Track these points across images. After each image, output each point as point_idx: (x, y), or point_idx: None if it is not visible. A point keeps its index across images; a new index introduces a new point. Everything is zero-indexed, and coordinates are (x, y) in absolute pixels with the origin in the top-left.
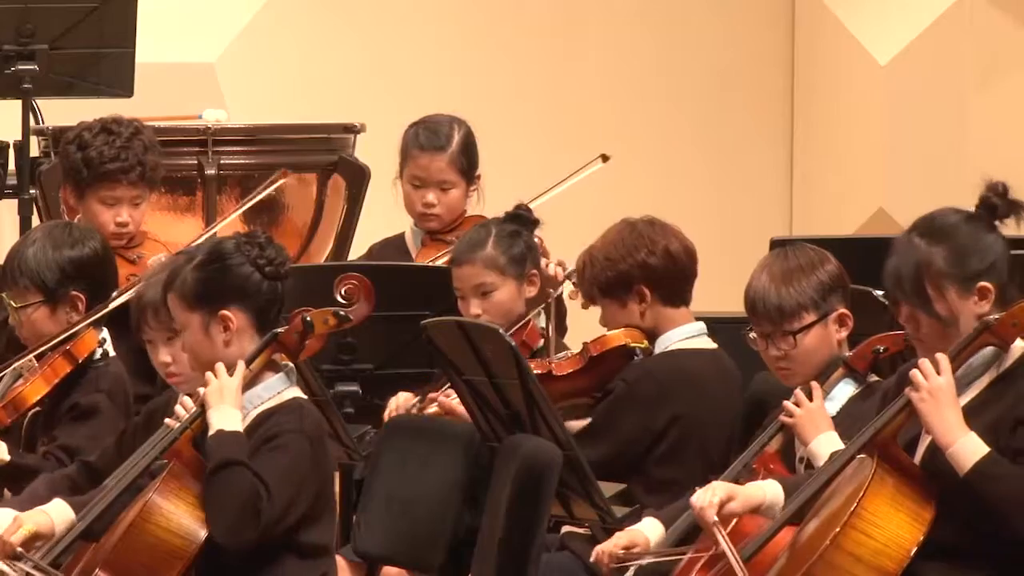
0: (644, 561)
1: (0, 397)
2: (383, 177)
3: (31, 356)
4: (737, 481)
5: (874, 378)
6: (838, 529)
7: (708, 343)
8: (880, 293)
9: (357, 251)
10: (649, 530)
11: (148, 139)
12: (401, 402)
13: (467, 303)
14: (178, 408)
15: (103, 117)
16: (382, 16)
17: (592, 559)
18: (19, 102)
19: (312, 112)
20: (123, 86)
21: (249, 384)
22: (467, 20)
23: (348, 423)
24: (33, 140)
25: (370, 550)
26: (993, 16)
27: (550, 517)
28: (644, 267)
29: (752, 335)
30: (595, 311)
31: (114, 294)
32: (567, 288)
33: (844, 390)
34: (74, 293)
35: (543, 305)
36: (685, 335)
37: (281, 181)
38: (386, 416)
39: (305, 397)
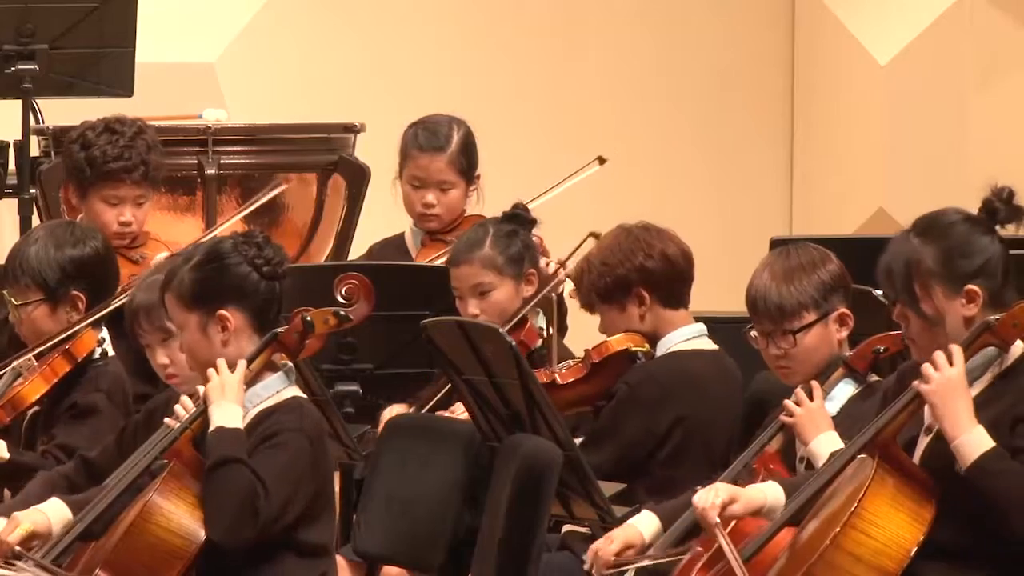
0: (639, 564)
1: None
2: (383, 177)
3: (30, 355)
4: (737, 481)
5: (874, 378)
6: (838, 529)
7: (709, 344)
8: (880, 293)
9: (357, 251)
10: (645, 526)
11: (151, 139)
12: (396, 413)
13: (465, 303)
14: (178, 408)
15: (106, 117)
16: (382, 16)
17: (587, 562)
18: (19, 102)
19: (312, 112)
20: (123, 86)
21: (249, 383)
22: (467, 20)
23: (348, 423)
24: (33, 140)
25: (370, 550)
26: (993, 16)
27: (550, 517)
28: (642, 271)
29: (753, 333)
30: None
31: (114, 294)
32: (568, 287)
33: (844, 390)
34: (75, 292)
35: (535, 302)
36: (686, 337)
37: (280, 189)
38: (381, 427)
39: (304, 396)
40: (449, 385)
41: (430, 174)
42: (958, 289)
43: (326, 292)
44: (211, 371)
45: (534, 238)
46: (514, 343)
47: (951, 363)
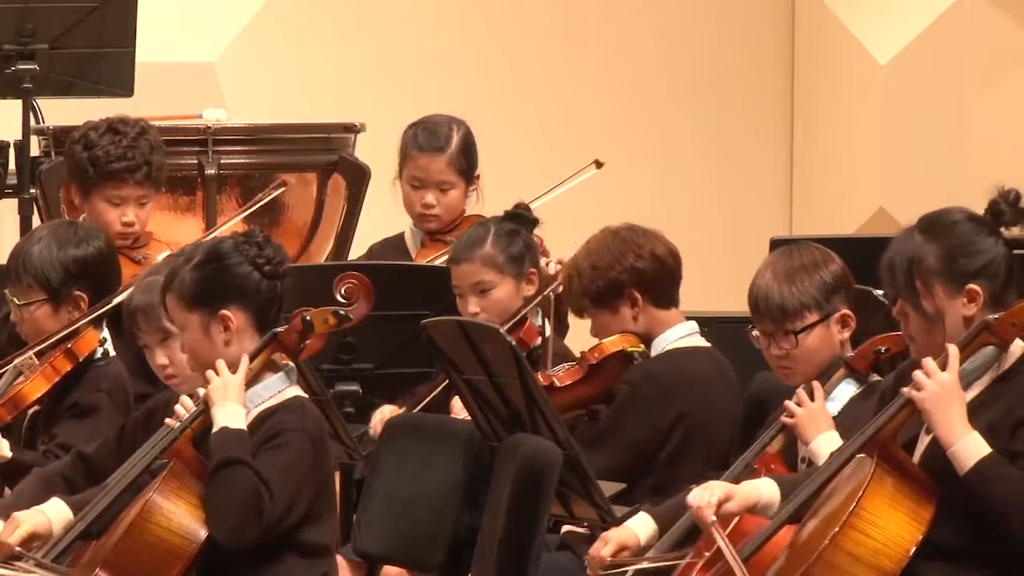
0: (638, 567)
1: (1, 394)
2: (383, 177)
3: (31, 353)
4: (738, 481)
5: (876, 378)
6: (837, 529)
7: (702, 341)
8: (880, 293)
9: (357, 251)
10: (640, 528)
11: (154, 139)
12: (386, 415)
13: (465, 301)
14: (178, 408)
15: (109, 117)
16: (382, 16)
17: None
18: (19, 102)
19: (312, 112)
20: (123, 86)
21: (249, 383)
22: (467, 20)
23: (348, 423)
24: (33, 139)
25: (370, 549)
26: (993, 16)
27: (550, 517)
28: (633, 271)
29: (755, 333)
30: None
31: (115, 294)
32: None
33: (845, 390)
34: (77, 292)
35: (536, 302)
36: (680, 335)
37: (281, 190)
38: (372, 428)
39: (306, 396)
40: (444, 384)
41: (430, 174)
42: (959, 288)
43: (326, 292)
44: (210, 372)
45: (535, 238)
46: (514, 343)
47: (944, 368)
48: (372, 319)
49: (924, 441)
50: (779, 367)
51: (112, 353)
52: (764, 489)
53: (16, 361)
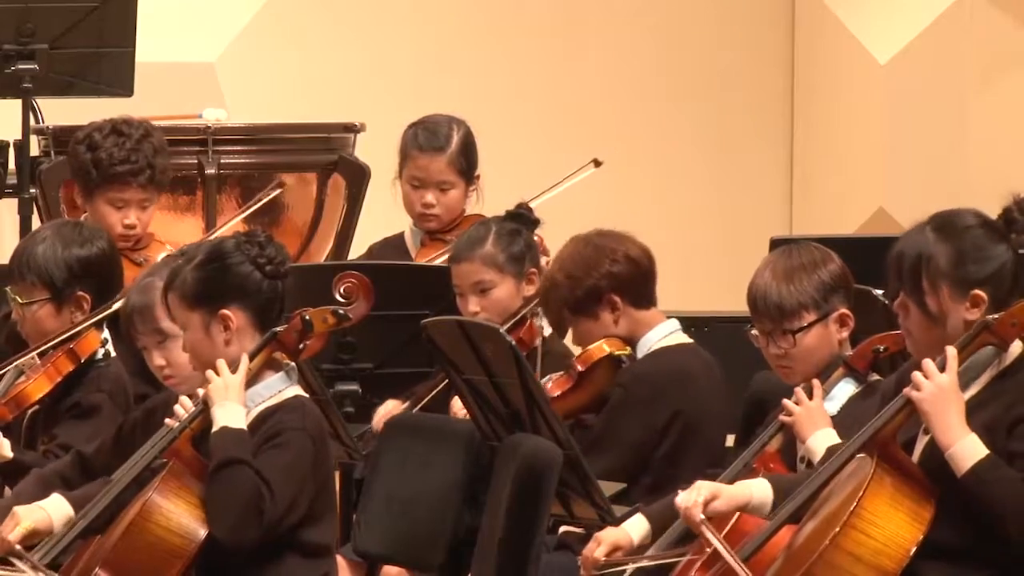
0: (636, 565)
1: (2, 393)
2: (383, 177)
3: (34, 353)
4: (736, 480)
5: (875, 377)
6: (837, 529)
7: (685, 338)
8: (880, 293)
9: (357, 250)
10: (634, 529)
11: (158, 141)
12: (390, 409)
13: (466, 300)
14: (178, 408)
15: (113, 118)
16: (382, 16)
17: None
18: (19, 101)
19: (312, 112)
20: (123, 85)
21: (249, 383)
22: (467, 20)
23: (348, 422)
24: (33, 139)
25: (370, 549)
26: (993, 16)
27: (550, 517)
28: (610, 277)
29: (753, 332)
30: None
31: (118, 295)
32: None
33: (844, 389)
34: (80, 293)
35: (537, 301)
36: (664, 333)
37: (277, 192)
38: (374, 424)
39: (306, 395)
40: (445, 382)
41: (430, 174)
42: (965, 293)
43: (326, 292)
44: (210, 372)
45: (535, 237)
46: (514, 342)
47: (943, 369)
48: (372, 319)
49: (923, 441)
50: (778, 366)
51: (113, 354)
52: (756, 489)
53: (18, 361)
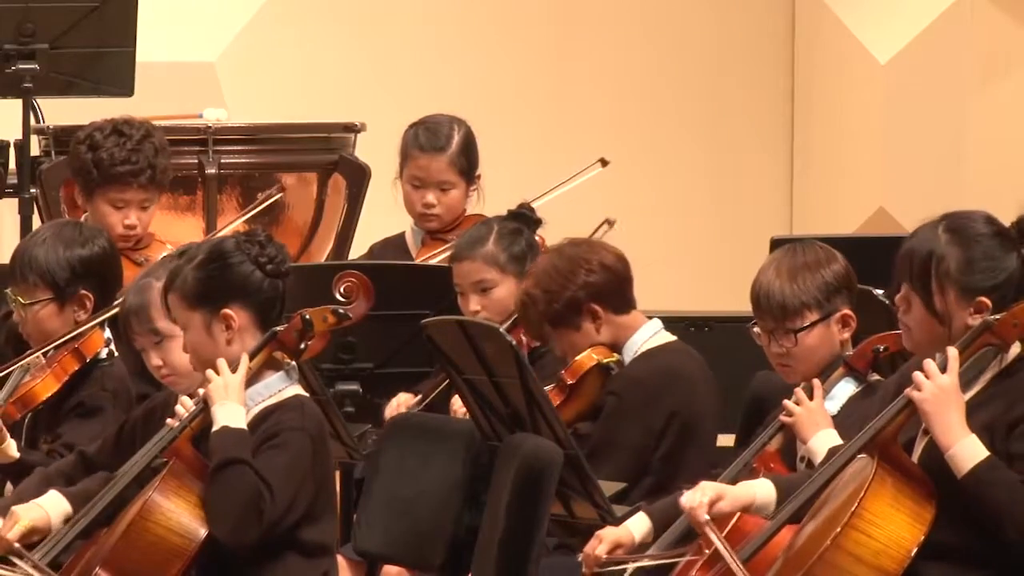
0: (638, 564)
1: (10, 393)
2: (383, 177)
3: (39, 353)
4: (737, 480)
5: (875, 377)
6: (838, 529)
7: (670, 337)
8: (880, 292)
9: (357, 250)
10: (636, 527)
11: (159, 141)
12: (402, 401)
13: (467, 299)
14: (178, 408)
15: (114, 118)
16: (382, 16)
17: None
18: (19, 101)
19: (312, 112)
20: (123, 85)
21: (249, 382)
22: (467, 20)
23: (348, 422)
24: (33, 139)
25: (370, 549)
26: (993, 16)
27: (550, 517)
28: (587, 286)
29: (756, 330)
30: None
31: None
32: None
33: (845, 389)
34: (83, 292)
35: None
36: (649, 335)
37: (275, 198)
38: (387, 415)
39: (306, 395)
40: (447, 382)
41: (430, 174)
42: (971, 299)
43: (326, 291)
44: (210, 372)
45: (536, 237)
46: (514, 342)
47: (944, 369)
48: (372, 319)
49: (923, 441)
50: (779, 365)
51: (115, 354)
52: (760, 489)
53: (24, 360)
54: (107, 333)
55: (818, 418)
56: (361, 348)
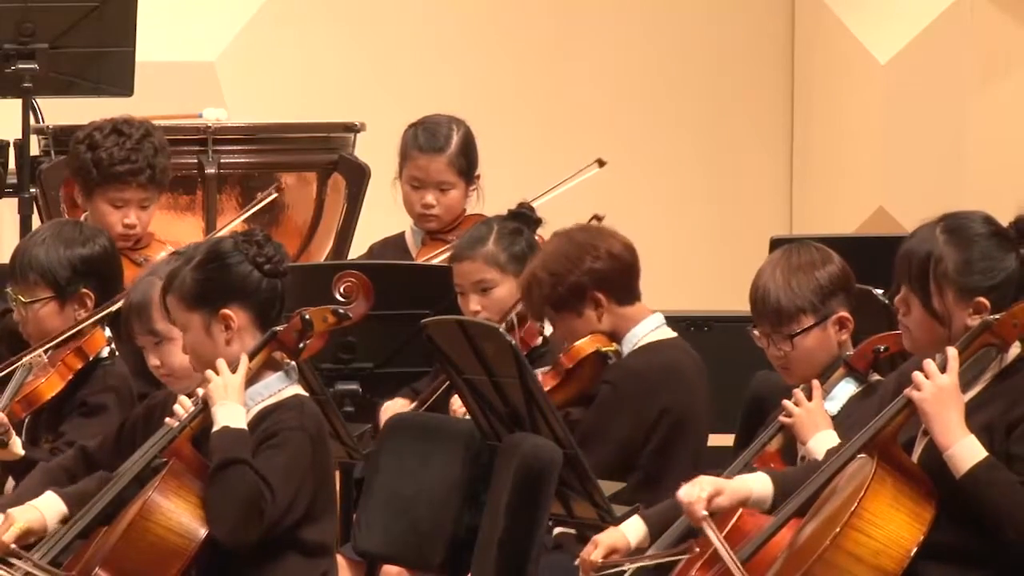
0: (635, 564)
1: (15, 391)
2: (383, 176)
3: (39, 352)
4: None
5: (875, 377)
6: (838, 529)
7: (671, 332)
8: (880, 292)
9: (357, 250)
10: (631, 531)
11: (158, 141)
12: (398, 407)
13: (467, 299)
14: (177, 407)
15: (114, 117)
16: (382, 16)
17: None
18: (19, 101)
19: (312, 112)
20: (123, 85)
21: (249, 382)
22: (467, 20)
23: (348, 422)
24: (33, 139)
25: (370, 549)
26: (993, 16)
27: (549, 517)
28: (593, 273)
29: (755, 332)
30: None
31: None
32: None
33: (845, 389)
34: (84, 291)
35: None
36: (650, 328)
37: (272, 198)
38: (381, 420)
39: (306, 394)
40: (447, 382)
41: (430, 174)
42: (969, 299)
43: (326, 291)
44: (210, 372)
45: (536, 237)
46: (514, 342)
47: (944, 369)
48: (372, 319)
49: (922, 441)
50: (778, 367)
51: (116, 353)
52: (756, 483)
53: (27, 358)
54: (107, 332)
55: (817, 419)
56: (361, 348)
